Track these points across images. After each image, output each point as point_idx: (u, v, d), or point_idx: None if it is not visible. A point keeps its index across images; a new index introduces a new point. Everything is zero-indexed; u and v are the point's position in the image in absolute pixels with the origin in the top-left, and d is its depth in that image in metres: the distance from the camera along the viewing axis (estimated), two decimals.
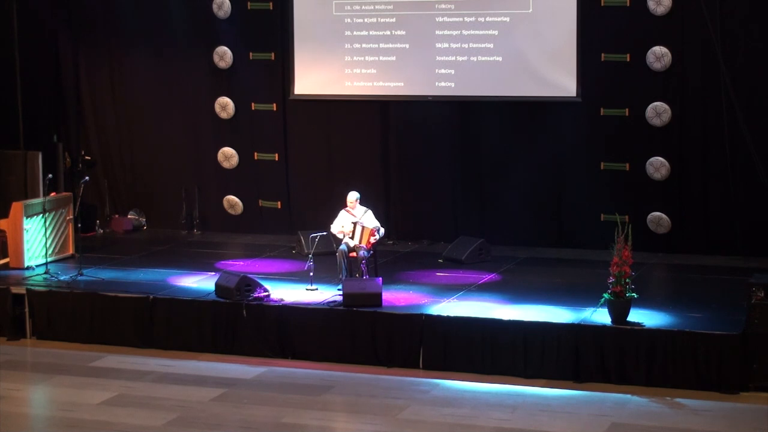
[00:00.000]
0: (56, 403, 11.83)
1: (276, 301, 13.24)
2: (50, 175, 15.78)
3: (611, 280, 12.02)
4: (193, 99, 17.81)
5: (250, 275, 13.66)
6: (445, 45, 16.39)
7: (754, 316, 11.56)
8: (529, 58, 16.01)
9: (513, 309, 12.74)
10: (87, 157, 18.37)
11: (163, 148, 18.09)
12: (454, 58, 16.35)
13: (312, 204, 17.15)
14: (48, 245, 15.23)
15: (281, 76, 17.25)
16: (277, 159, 17.48)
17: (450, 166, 16.74)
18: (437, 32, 16.40)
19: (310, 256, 13.85)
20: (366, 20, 16.72)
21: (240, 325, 13.10)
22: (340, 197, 14.57)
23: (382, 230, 14.12)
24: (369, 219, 14.08)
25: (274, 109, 17.40)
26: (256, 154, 17.59)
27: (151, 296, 13.54)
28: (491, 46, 16.18)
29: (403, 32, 16.58)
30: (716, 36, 15.00)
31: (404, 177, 17.00)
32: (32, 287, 14.08)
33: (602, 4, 15.63)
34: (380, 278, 13.48)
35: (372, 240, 13.79)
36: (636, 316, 12.14)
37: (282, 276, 14.56)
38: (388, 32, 16.64)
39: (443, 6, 16.37)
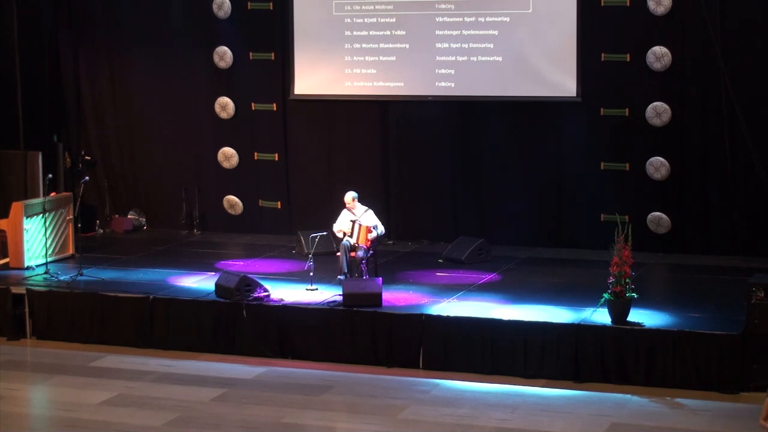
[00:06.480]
0: (56, 403, 11.82)
1: (276, 301, 13.24)
2: (50, 175, 15.77)
3: (611, 280, 12.02)
4: (193, 99, 17.80)
5: (250, 275, 13.65)
6: (445, 45, 16.38)
7: (754, 316, 11.56)
8: (529, 58, 16.00)
9: (513, 309, 12.74)
10: (87, 157, 18.36)
11: (163, 148, 18.08)
12: (454, 58, 16.35)
13: (312, 204, 17.14)
14: (48, 245, 15.22)
15: (281, 76, 17.24)
16: (277, 159, 17.47)
17: (450, 166, 16.73)
18: (437, 32, 16.40)
19: (310, 256, 13.85)
20: (366, 20, 16.71)
21: (240, 325, 13.10)
22: (340, 197, 14.57)
23: (381, 228, 14.10)
24: (368, 218, 14.08)
25: (274, 109, 17.40)
26: (256, 154, 17.58)
27: (151, 296, 13.54)
28: (491, 46, 16.17)
29: (403, 32, 16.57)
30: (716, 36, 15.00)
31: (404, 177, 16.99)
32: (32, 287, 14.08)
33: (602, 4, 15.62)
34: (380, 278, 13.48)
35: (370, 237, 13.78)
36: (636, 316, 12.14)
37: (282, 276, 14.55)
38: (388, 32, 16.64)
39: (443, 6, 16.36)
